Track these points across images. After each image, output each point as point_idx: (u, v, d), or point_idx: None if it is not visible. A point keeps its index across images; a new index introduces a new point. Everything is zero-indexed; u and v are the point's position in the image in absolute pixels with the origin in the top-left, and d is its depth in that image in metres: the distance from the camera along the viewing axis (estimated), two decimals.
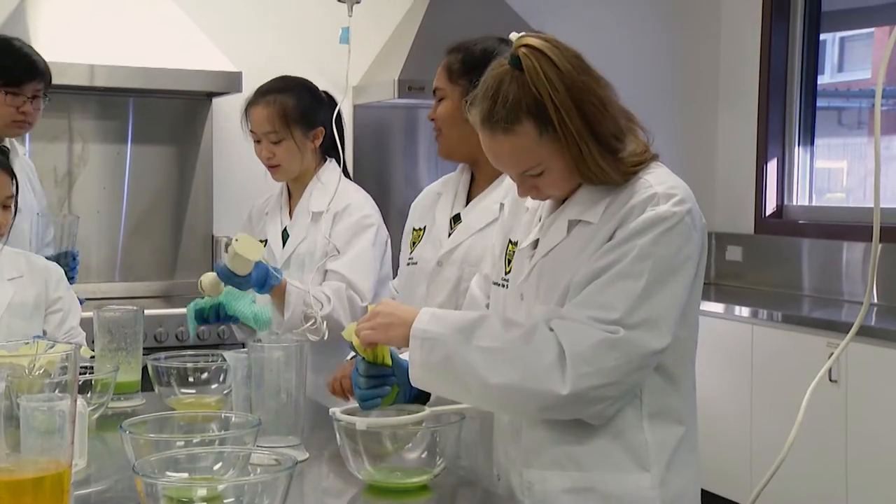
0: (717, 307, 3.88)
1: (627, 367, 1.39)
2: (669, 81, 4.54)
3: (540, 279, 1.51)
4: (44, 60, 2.60)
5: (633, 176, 1.49)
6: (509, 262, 1.62)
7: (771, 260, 4.32)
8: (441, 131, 1.90)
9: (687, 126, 4.58)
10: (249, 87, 3.43)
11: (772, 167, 4.40)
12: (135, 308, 2.07)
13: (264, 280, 2.18)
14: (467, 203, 1.94)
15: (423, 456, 1.48)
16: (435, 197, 2.01)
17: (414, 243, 2.00)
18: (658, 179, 1.49)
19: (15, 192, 2.22)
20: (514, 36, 1.88)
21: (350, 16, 2.27)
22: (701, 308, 4.33)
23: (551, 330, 1.42)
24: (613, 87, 1.54)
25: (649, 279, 1.41)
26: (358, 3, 2.28)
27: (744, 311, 3.76)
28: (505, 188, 1.86)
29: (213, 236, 3.80)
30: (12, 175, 2.22)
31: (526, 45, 1.46)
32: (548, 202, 1.57)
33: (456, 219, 1.93)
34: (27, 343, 1.32)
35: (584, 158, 1.44)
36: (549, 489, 1.48)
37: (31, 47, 2.63)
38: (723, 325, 3.81)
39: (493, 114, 1.44)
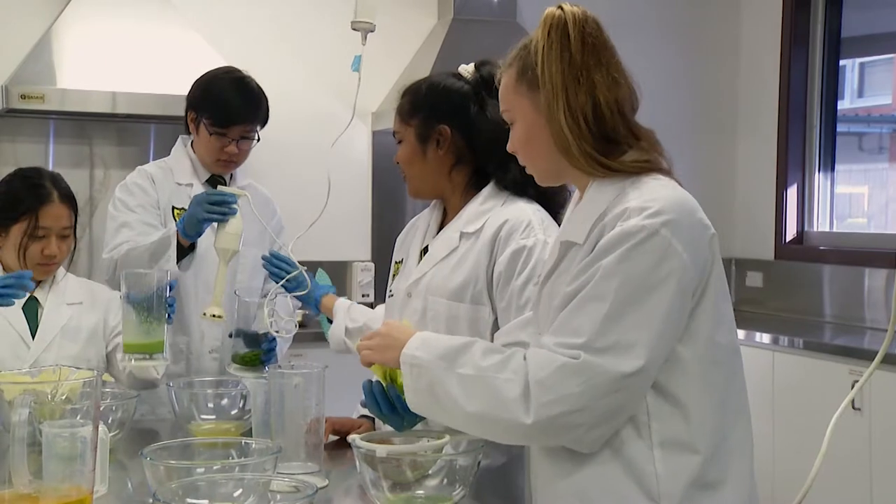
0: (738, 334, 3.85)
1: (592, 392, 1.32)
2: (688, 108, 4.54)
3: (543, 307, 1.50)
4: (257, 101, 2.47)
5: (606, 172, 1.44)
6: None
7: (792, 286, 4.30)
8: (405, 173, 1.96)
9: (706, 152, 4.57)
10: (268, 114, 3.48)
11: (792, 193, 4.38)
12: (161, 270, 2.08)
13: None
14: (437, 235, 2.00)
15: (443, 483, 1.47)
16: (413, 231, 2.07)
17: (394, 276, 2.05)
18: (640, 192, 1.41)
19: (74, 223, 2.26)
20: (463, 69, 1.95)
21: (364, 44, 2.28)
22: None
23: (525, 358, 1.39)
24: (631, 94, 1.57)
25: (616, 300, 1.33)
26: (372, 31, 2.29)
27: (765, 338, 3.73)
28: (465, 218, 1.91)
29: None
30: (72, 206, 2.26)
31: (560, 9, 1.53)
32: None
33: (425, 250, 1.98)
34: (51, 368, 1.33)
35: (552, 118, 1.43)
36: None
37: (248, 85, 2.49)
38: (743, 351, 3.76)
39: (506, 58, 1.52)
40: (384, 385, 1.53)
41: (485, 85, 1.93)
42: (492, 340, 1.84)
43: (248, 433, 1.78)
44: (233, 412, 1.91)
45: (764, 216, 4.46)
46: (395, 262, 2.06)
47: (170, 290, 2.00)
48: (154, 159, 3.78)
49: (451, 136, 1.91)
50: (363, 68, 2.22)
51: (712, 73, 4.57)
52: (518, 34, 4.03)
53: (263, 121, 2.51)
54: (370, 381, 1.55)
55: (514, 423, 1.34)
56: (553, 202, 1.94)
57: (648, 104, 4.58)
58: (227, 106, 2.41)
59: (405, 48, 4.01)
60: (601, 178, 1.44)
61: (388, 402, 1.53)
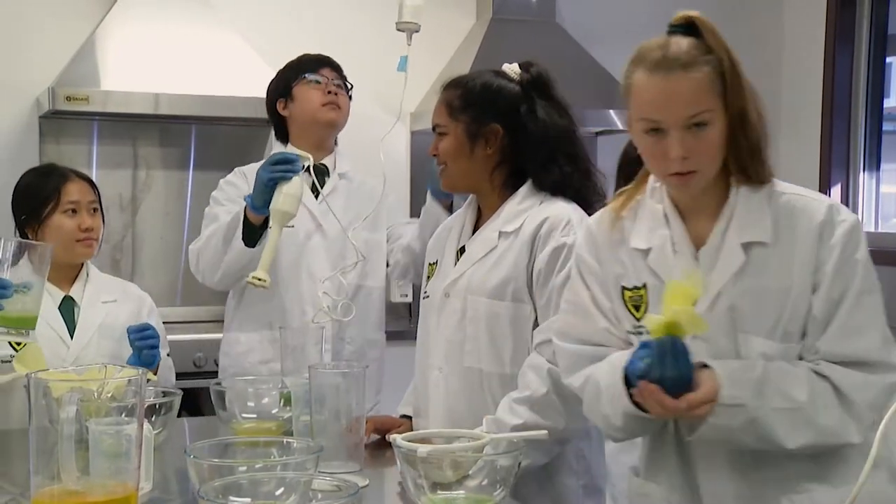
0: None
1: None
2: None
3: (747, 306, 1.49)
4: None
5: (770, 182, 1.55)
6: (637, 307, 1.60)
7: None
8: (446, 165, 1.95)
9: None
10: None
11: (836, 192, 4.31)
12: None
13: None
14: (473, 234, 1.99)
15: (484, 484, 1.47)
16: (447, 232, 2.07)
17: (428, 277, 2.05)
18: (810, 193, 1.58)
19: (99, 201, 2.31)
20: (508, 68, 1.94)
21: (409, 44, 2.29)
22: None
23: (821, 375, 1.47)
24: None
25: (877, 287, 1.51)
26: (417, 31, 2.30)
27: None
28: (503, 218, 1.91)
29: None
30: (91, 184, 2.31)
31: (696, 17, 1.57)
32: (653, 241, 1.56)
33: (462, 250, 1.98)
34: (96, 367, 1.34)
35: (741, 128, 1.50)
36: None
37: None
38: None
39: (669, 59, 1.49)
40: (667, 342, 1.43)
41: (534, 85, 1.94)
42: (531, 337, 1.85)
43: (289, 432, 1.79)
44: (273, 411, 1.92)
45: None
46: (430, 264, 2.07)
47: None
48: (195, 160, 3.85)
49: (501, 135, 1.91)
50: (395, 66, 2.24)
51: (753, 71, 4.48)
52: (557, 34, 4.06)
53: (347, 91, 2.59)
54: (653, 343, 1.45)
55: (840, 444, 1.48)
56: (587, 203, 1.94)
57: None
58: (313, 56, 2.57)
59: (443, 49, 4.00)
60: (748, 183, 1.54)
61: (677, 360, 1.43)
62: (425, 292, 2.04)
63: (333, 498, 1.16)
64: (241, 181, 2.60)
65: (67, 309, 2.26)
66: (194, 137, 3.79)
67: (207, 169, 3.81)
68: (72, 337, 2.22)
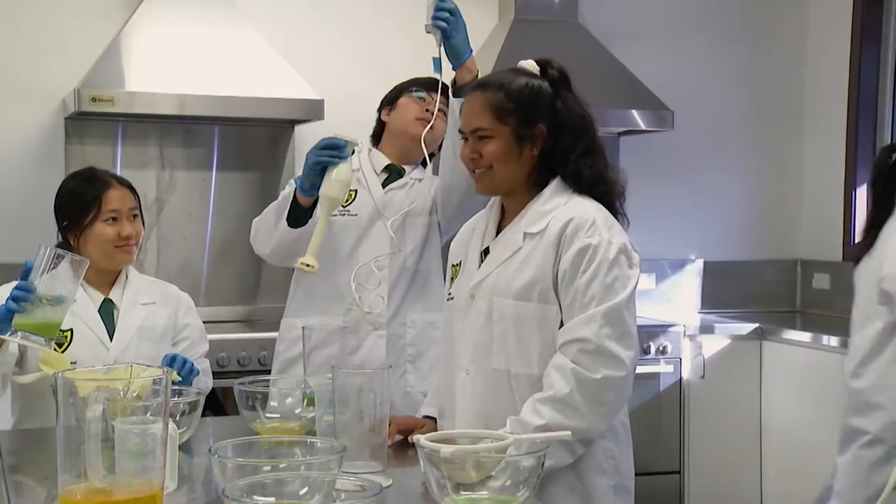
0: (805, 336, 3.78)
1: None
2: (753, 105, 4.46)
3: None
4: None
5: None
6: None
7: None
8: (490, 169, 1.92)
9: (771, 150, 4.49)
10: (331, 115, 3.51)
11: (862, 192, 4.27)
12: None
13: None
14: (497, 236, 1.98)
15: (508, 484, 1.47)
16: (470, 233, 2.06)
17: (452, 279, 2.04)
18: None
19: (139, 206, 2.33)
20: (529, 64, 1.94)
21: (439, 45, 2.29)
22: (787, 337, 4.19)
23: None
24: None
25: None
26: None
27: (832, 341, 3.65)
28: (528, 219, 1.90)
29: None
30: (132, 190, 2.33)
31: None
32: None
33: (486, 252, 1.97)
34: (122, 366, 1.35)
35: None
36: None
37: None
38: (810, 354, 3.71)
39: None
40: None
41: (560, 81, 1.93)
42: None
43: (312, 432, 1.80)
44: (297, 411, 1.93)
45: (831, 216, 4.36)
46: (453, 266, 2.06)
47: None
48: (218, 161, 3.87)
49: (544, 135, 1.90)
50: (419, 66, 2.24)
51: (777, 71, 4.49)
52: (579, 34, 4.04)
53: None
54: None
55: None
56: (610, 202, 1.94)
57: (712, 102, 4.56)
58: (430, 78, 2.53)
59: None
60: None
61: None
62: (449, 294, 2.04)
63: (357, 498, 1.16)
64: None
65: (107, 311, 2.28)
66: (217, 138, 3.81)
67: (230, 169, 3.83)
68: (111, 339, 2.24)
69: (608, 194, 1.94)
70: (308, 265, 2.21)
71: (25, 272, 1.96)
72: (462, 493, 1.46)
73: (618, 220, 1.93)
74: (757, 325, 3.94)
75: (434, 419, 2.04)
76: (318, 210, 2.31)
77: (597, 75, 3.84)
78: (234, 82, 3.46)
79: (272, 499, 1.25)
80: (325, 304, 2.55)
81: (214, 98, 3.42)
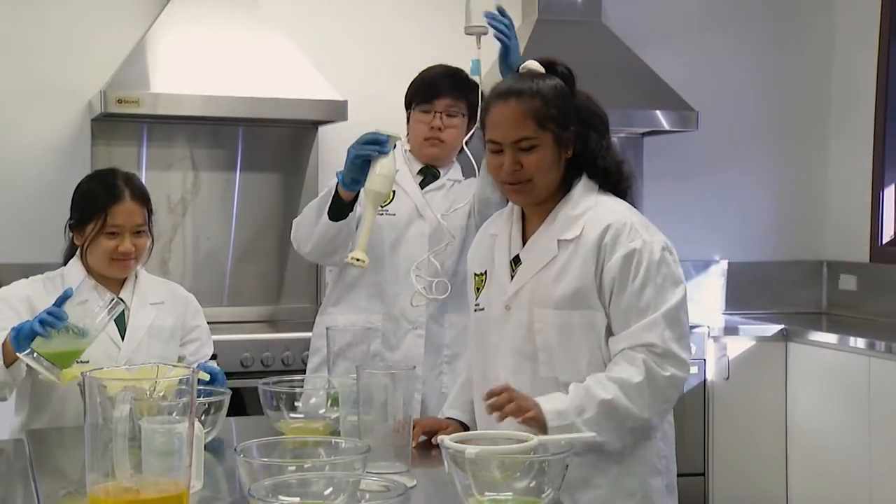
0: (831, 338, 3.75)
1: None
2: (779, 105, 4.42)
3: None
4: (463, 83, 2.54)
5: None
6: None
7: (888, 289, 4.15)
8: (531, 181, 1.86)
9: (797, 151, 4.45)
10: (355, 115, 3.52)
11: (889, 193, 4.23)
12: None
13: None
14: (524, 242, 1.92)
15: (532, 485, 1.46)
16: (491, 239, 1.99)
17: (478, 289, 1.99)
18: None
19: (148, 221, 2.30)
20: (532, 65, 1.90)
21: (479, 47, 2.28)
22: (813, 338, 4.16)
23: None
24: None
25: None
26: (485, 34, 2.29)
27: (859, 343, 3.61)
28: (560, 224, 1.87)
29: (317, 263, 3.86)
30: (144, 204, 2.30)
31: None
32: None
33: (516, 260, 1.91)
34: (148, 366, 1.36)
35: None
36: None
37: (457, 70, 2.61)
38: (837, 356, 3.68)
39: None
40: None
41: (571, 78, 1.91)
42: (606, 345, 1.84)
43: (336, 433, 1.80)
44: (321, 411, 1.93)
45: (858, 217, 4.32)
46: (476, 275, 2.00)
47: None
48: (243, 161, 3.89)
49: (575, 137, 1.87)
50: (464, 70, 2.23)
51: (804, 69, 4.45)
52: (603, 34, 4.03)
53: (471, 107, 2.51)
54: None
55: None
56: (623, 193, 1.94)
57: (737, 102, 4.53)
58: (431, 80, 2.50)
59: (488, 49, 3.99)
60: None
61: None
62: (477, 304, 1.97)
63: (382, 498, 1.16)
64: None
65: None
66: (242, 139, 3.83)
67: (255, 170, 3.85)
68: (122, 339, 2.25)
69: (627, 189, 1.93)
70: (358, 259, 2.22)
71: (62, 299, 1.97)
72: (486, 493, 1.46)
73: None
74: (782, 326, 3.91)
75: (457, 421, 2.03)
76: (364, 205, 2.31)
77: (620, 75, 3.82)
78: (259, 83, 3.47)
79: (297, 499, 1.26)
80: (365, 301, 2.56)
81: (239, 99, 3.44)
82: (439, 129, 2.51)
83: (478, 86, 2.33)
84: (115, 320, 2.26)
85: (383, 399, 1.63)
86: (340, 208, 2.41)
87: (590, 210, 1.87)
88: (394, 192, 2.51)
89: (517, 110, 1.84)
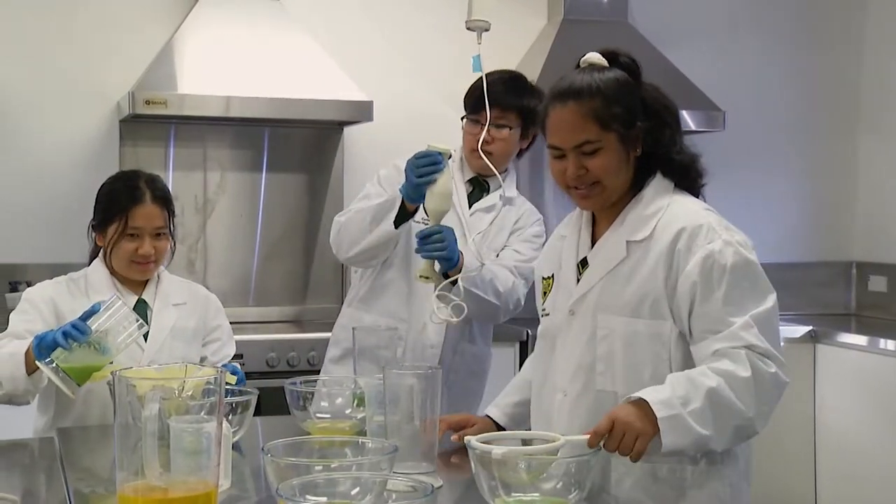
0: (860, 339, 3.71)
1: None
2: (807, 103, 4.38)
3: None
4: (515, 89, 2.51)
5: None
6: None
7: None
8: (600, 183, 1.75)
9: (825, 150, 4.41)
10: (380, 116, 3.53)
11: None
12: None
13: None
14: (593, 244, 1.83)
15: (559, 486, 1.46)
16: (560, 241, 1.91)
17: (545, 293, 1.90)
18: None
19: (169, 224, 2.31)
20: (593, 58, 1.79)
21: (479, 43, 2.27)
22: (841, 340, 4.12)
23: None
24: None
25: None
26: (487, 30, 2.28)
27: (889, 345, 3.57)
28: (630, 225, 1.77)
29: (342, 263, 3.86)
30: (166, 207, 2.31)
31: None
32: None
33: (583, 263, 1.82)
34: (176, 365, 1.37)
35: None
36: None
37: (515, 76, 2.58)
38: (866, 358, 3.64)
39: None
40: None
41: (635, 69, 1.81)
42: (677, 354, 1.73)
43: (362, 433, 1.80)
44: (347, 411, 1.93)
45: (888, 217, 4.28)
46: (544, 279, 1.92)
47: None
48: (268, 162, 3.90)
49: (643, 133, 1.76)
50: (467, 67, 2.24)
51: (833, 68, 4.41)
52: (629, 34, 4.01)
53: (523, 115, 2.50)
54: None
55: None
56: (699, 189, 1.85)
57: (764, 102, 4.50)
58: (478, 91, 2.43)
59: (515, 50, 3.99)
60: None
61: None
62: (543, 309, 1.89)
63: (409, 498, 1.16)
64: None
65: (141, 312, 2.29)
66: (267, 140, 3.84)
67: (280, 171, 3.86)
68: (146, 340, 2.26)
69: (700, 183, 1.84)
70: (427, 277, 2.28)
71: (89, 314, 1.98)
72: (513, 494, 1.46)
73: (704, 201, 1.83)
74: (810, 328, 3.87)
75: (490, 418, 2.00)
76: (430, 221, 2.33)
77: (647, 75, 3.78)
78: (284, 84, 3.48)
79: (324, 498, 1.26)
80: (396, 308, 2.56)
81: (265, 100, 3.45)
82: (487, 142, 2.46)
83: (536, 90, 2.39)
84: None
85: (409, 399, 1.62)
86: (403, 216, 2.43)
87: (663, 210, 1.76)
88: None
89: (576, 113, 1.73)
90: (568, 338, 1.80)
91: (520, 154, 2.65)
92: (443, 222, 2.35)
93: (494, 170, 2.35)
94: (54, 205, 3.57)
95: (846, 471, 3.74)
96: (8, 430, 2.17)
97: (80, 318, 1.98)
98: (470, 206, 2.61)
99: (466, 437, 1.52)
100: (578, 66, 1.81)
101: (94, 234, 2.33)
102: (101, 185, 2.36)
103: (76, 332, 1.94)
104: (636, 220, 1.77)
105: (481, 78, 2.49)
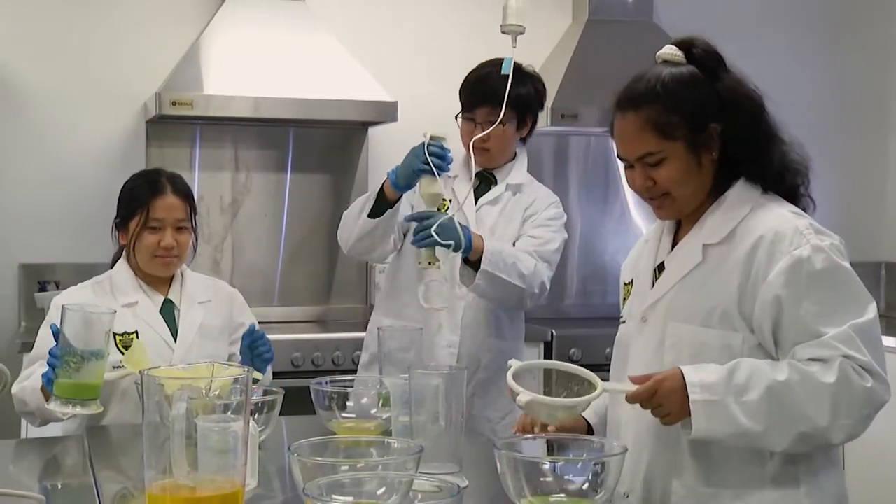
0: (889, 341, 3.66)
1: None
2: (837, 105, 4.34)
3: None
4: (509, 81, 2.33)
5: None
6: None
7: None
8: (669, 195, 1.66)
9: (855, 151, 4.37)
10: (405, 116, 3.53)
11: None
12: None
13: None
14: (673, 249, 1.74)
15: (585, 487, 1.45)
16: (643, 245, 1.83)
17: (624, 299, 1.83)
18: None
19: (191, 218, 2.32)
20: (667, 53, 1.69)
21: (514, 46, 2.27)
22: None
23: None
24: None
25: None
26: (522, 34, 2.28)
27: None
28: (708, 228, 1.67)
29: (367, 263, 3.87)
30: (187, 201, 2.32)
31: None
32: None
33: (660, 268, 1.73)
34: (203, 364, 1.37)
35: None
36: None
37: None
38: (895, 360, 3.59)
39: None
40: None
41: (713, 61, 1.69)
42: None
43: (388, 433, 1.80)
44: (372, 411, 1.94)
45: None
46: (625, 284, 1.85)
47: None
48: (293, 162, 3.92)
49: (719, 133, 1.64)
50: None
51: (862, 68, 4.36)
52: (655, 34, 3.99)
53: (516, 107, 2.49)
54: None
55: None
56: (797, 186, 1.72)
57: (793, 102, 4.44)
58: (471, 88, 2.44)
59: (539, 50, 3.98)
60: None
61: None
62: (621, 315, 1.82)
63: (435, 498, 1.16)
64: None
65: (168, 312, 2.31)
66: (292, 140, 3.86)
67: (305, 171, 3.87)
68: (175, 339, 2.27)
69: (794, 179, 1.71)
70: (430, 262, 2.27)
71: (55, 336, 1.90)
72: (539, 494, 1.45)
73: (801, 202, 1.71)
74: None
75: (583, 418, 1.87)
76: (426, 205, 2.37)
77: None
78: (309, 85, 3.50)
79: (350, 498, 1.26)
80: (411, 307, 2.57)
81: (290, 100, 3.46)
82: (482, 139, 2.47)
83: (527, 76, 2.39)
84: (166, 322, 2.29)
85: (434, 399, 1.62)
86: (381, 206, 2.43)
87: (745, 214, 1.65)
88: (450, 200, 2.52)
89: (635, 123, 1.64)
90: (638, 346, 1.72)
91: (524, 139, 2.65)
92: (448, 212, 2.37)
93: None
94: (82, 205, 3.60)
95: (874, 474, 3.70)
96: (37, 429, 2.19)
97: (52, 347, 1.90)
98: (476, 201, 2.61)
99: (510, 361, 1.58)
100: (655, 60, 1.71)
101: (117, 234, 2.35)
102: (124, 184, 2.38)
103: (54, 360, 1.87)
104: (715, 223, 1.67)
105: (473, 74, 2.51)
